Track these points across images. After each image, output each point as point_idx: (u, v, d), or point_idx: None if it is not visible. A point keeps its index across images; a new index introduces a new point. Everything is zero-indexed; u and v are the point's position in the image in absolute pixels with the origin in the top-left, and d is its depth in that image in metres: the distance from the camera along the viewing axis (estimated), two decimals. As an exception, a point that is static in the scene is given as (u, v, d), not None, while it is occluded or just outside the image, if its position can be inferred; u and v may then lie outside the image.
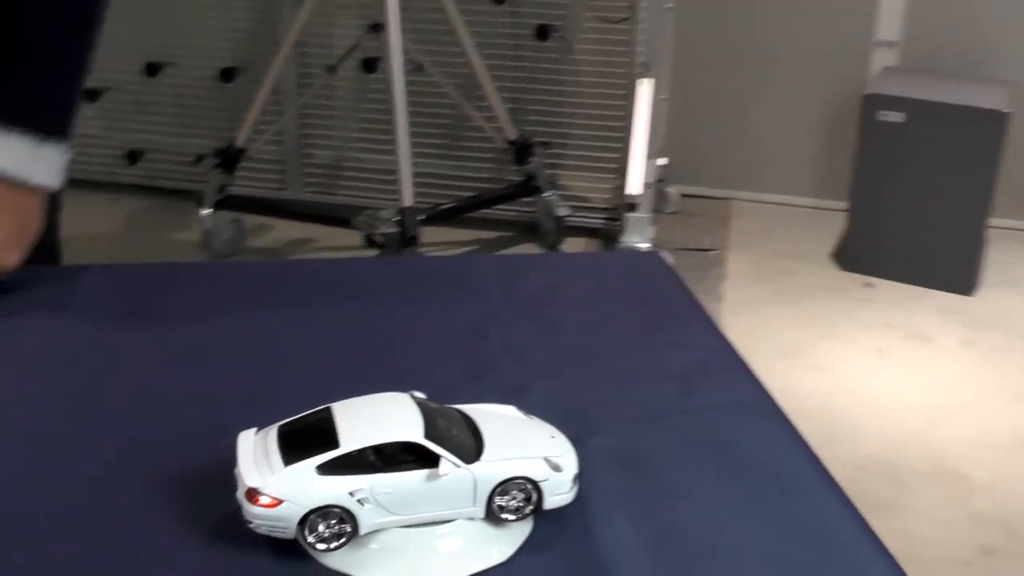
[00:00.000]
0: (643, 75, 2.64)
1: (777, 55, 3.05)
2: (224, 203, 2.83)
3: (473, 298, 0.96)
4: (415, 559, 0.63)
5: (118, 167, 3.23)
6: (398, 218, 2.43)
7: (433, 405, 0.67)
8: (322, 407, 0.65)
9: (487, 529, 0.65)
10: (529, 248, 2.94)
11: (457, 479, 0.63)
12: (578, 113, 2.89)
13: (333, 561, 0.63)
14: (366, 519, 0.62)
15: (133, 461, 0.72)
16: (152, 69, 3.10)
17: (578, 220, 2.93)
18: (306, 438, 0.63)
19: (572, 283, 1.01)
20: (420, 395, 0.69)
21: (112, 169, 3.24)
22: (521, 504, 0.64)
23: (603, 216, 2.93)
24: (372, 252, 2.66)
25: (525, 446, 0.65)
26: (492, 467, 0.63)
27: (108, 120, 3.17)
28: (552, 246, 2.92)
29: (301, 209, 2.87)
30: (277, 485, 0.61)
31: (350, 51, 2.81)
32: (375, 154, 3.04)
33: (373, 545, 0.64)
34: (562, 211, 2.85)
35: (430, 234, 2.90)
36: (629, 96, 2.70)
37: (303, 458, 0.62)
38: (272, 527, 0.62)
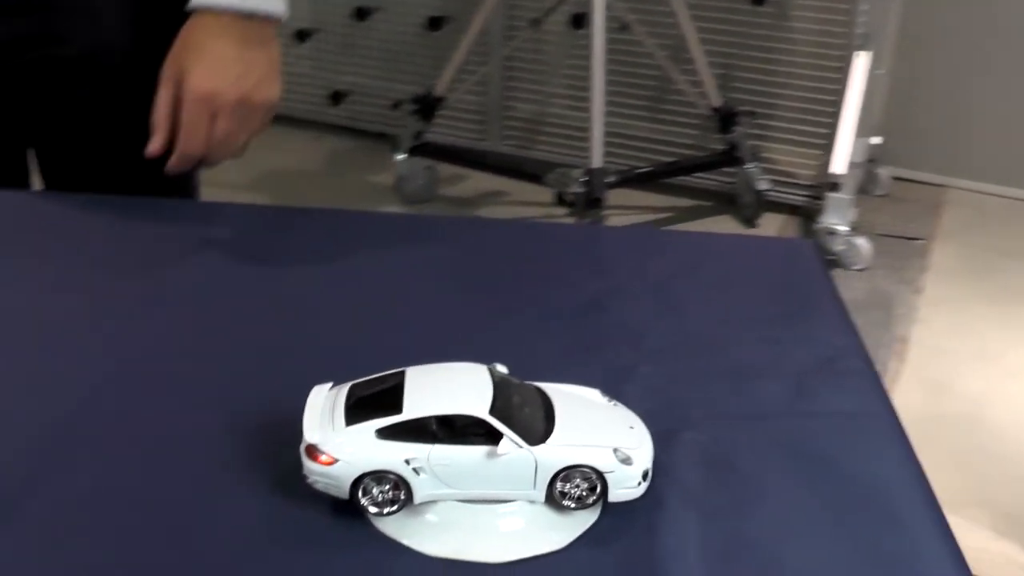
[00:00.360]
0: (861, 47, 2.51)
1: (1012, 35, 2.84)
2: (419, 150, 2.90)
3: (600, 272, 0.95)
4: (469, 535, 0.63)
5: (322, 107, 3.35)
6: (585, 178, 2.42)
7: (512, 381, 0.66)
8: (397, 370, 0.66)
9: (549, 514, 0.64)
10: (724, 221, 2.87)
11: (518, 460, 0.62)
12: (789, 83, 2.79)
13: (387, 527, 0.64)
14: (421, 489, 0.62)
15: (218, 403, 0.75)
16: (361, 13, 3.19)
17: (779, 195, 2.84)
18: (373, 400, 0.64)
19: (709, 265, 0.98)
20: (502, 369, 0.68)
21: (316, 108, 3.37)
22: (584, 493, 0.63)
23: (805, 193, 2.83)
24: (562, 210, 2.66)
25: (597, 434, 0.64)
26: (556, 452, 0.62)
27: (316, 61, 3.30)
28: (749, 220, 2.85)
29: (494, 161, 2.90)
30: (335, 444, 0.62)
31: (557, 5, 2.80)
32: (577, 111, 3.03)
33: (430, 516, 0.64)
34: (762, 185, 2.76)
35: (623, 197, 2.88)
36: (844, 69, 2.58)
37: (365, 420, 0.63)
38: (328, 485, 0.63)
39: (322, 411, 0.65)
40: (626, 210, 2.89)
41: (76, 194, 1.03)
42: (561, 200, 2.63)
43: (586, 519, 0.65)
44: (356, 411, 0.64)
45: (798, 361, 0.82)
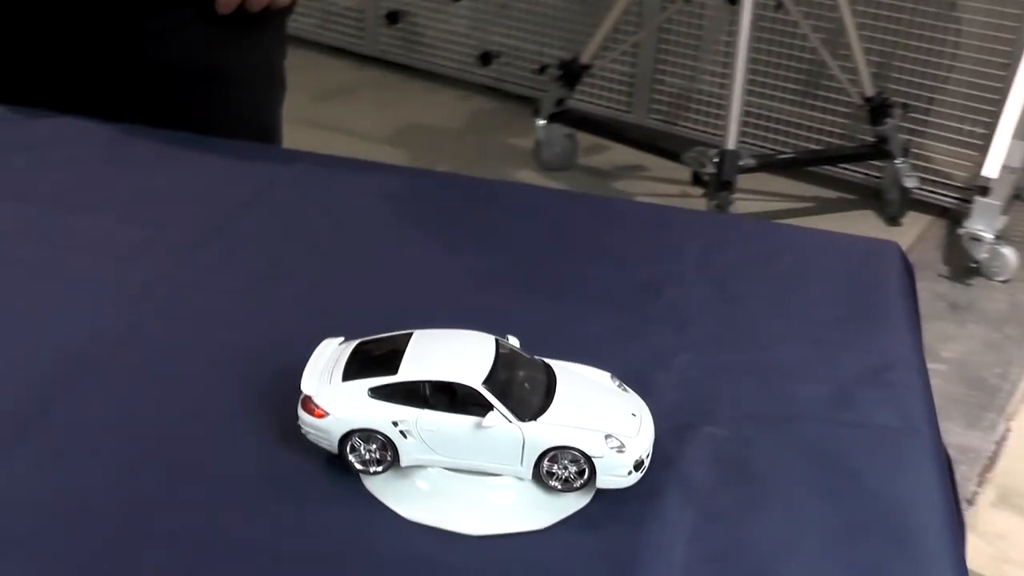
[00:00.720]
0: (1031, 44, 2.36)
1: None
2: (559, 116, 2.89)
3: (663, 255, 0.93)
4: (453, 505, 0.63)
5: (471, 66, 3.37)
6: (717, 160, 2.37)
7: (520, 355, 0.65)
8: (406, 332, 0.66)
9: (540, 493, 0.63)
10: (865, 216, 2.77)
11: (505, 434, 0.61)
12: (949, 78, 2.65)
13: (374, 486, 0.64)
14: (407, 452, 0.62)
15: (244, 345, 0.77)
16: (518, -27, 3.19)
17: (927, 195, 2.72)
18: (374, 359, 0.64)
19: (780, 258, 0.94)
20: (513, 341, 0.67)
21: (465, 68, 3.39)
22: (572, 476, 0.62)
23: (956, 195, 2.70)
24: (698, 190, 2.62)
25: (593, 417, 0.62)
26: (546, 430, 0.61)
27: (470, 20, 3.31)
28: (892, 218, 2.73)
29: (632, 135, 2.86)
30: (327, 397, 0.63)
31: (713, -22, 2.73)
32: (726, 90, 2.96)
33: (420, 482, 0.64)
34: (910, 182, 2.64)
35: (763, 182, 2.81)
36: (1011, 67, 2.44)
37: (361, 377, 0.63)
38: (318, 437, 0.64)
39: (325, 364, 0.65)
40: (761, 196, 2.82)
41: (158, 129, 1.07)
42: (697, 180, 2.58)
43: (576, 502, 0.63)
44: (355, 368, 0.64)
45: (845, 367, 0.78)
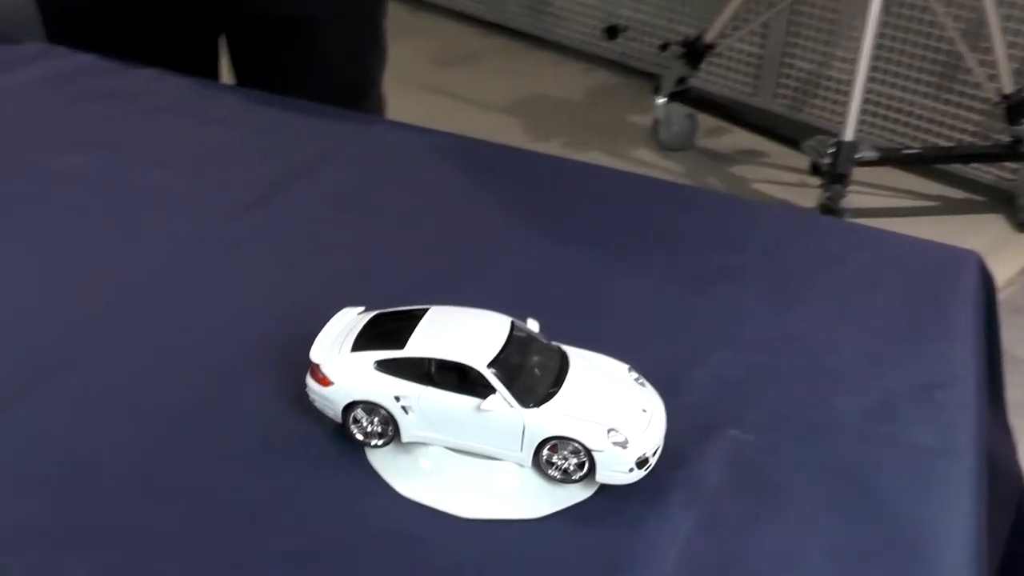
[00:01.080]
0: None
1: None
2: (680, 96, 2.84)
3: (726, 246, 0.90)
4: (450, 485, 0.63)
5: (596, 39, 3.33)
6: (832, 150, 2.29)
7: (535, 339, 0.64)
8: (423, 306, 0.66)
9: (542, 482, 0.63)
10: (993, 220, 2.65)
11: (506, 419, 0.60)
12: (1097, 78, 2.51)
13: (377, 460, 0.64)
14: (408, 428, 0.62)
15: (270, 307, 0.78)
16: (649, -54, 3.13)
17: (1062, 202, 2.58)
18: (386, 331, 0.64)
19: (850, 260, 0.90)
20: (533, 324, 0.66)
21: (591, 40, 3.35)
22: (572, 468, 0.61)
23: (1094, 205, 2.55)
24: (816, 180, 2.54)
25: (598, 409, 0.61)
26: (547, 419, 0.60)
27: (596, -9, 3.28)
28: (1023, 224, 2.61)
29: (754, 119, 2.79)
30: (334, 366, 0.63)
31: (850, -39, 2.64)
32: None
33: (423, 460, 0.64)
34: (1046, 187, 2.52)
35: (886, 176, 2.71)
36: None
37: (369, 349, 0.63)
38: (324, 405, 0.64)
39: (339, 332, 0.65)
40: (882, 191, 2.72)
41: (237, 86, 1.08)
42: (815, 170, 2.50)
43: (577, 494, 0.62)
44: (366, 339, 0.64)
45: (893, 380, 0.75)
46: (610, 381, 0.64)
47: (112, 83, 1.07)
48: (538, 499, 0.62)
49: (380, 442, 0.63)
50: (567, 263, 0.86)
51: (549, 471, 0.61)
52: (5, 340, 0.73)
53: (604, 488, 0.62)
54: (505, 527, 0.61)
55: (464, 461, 0.63)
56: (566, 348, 0.65)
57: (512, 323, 0.64)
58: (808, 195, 2.58)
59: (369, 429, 0.63)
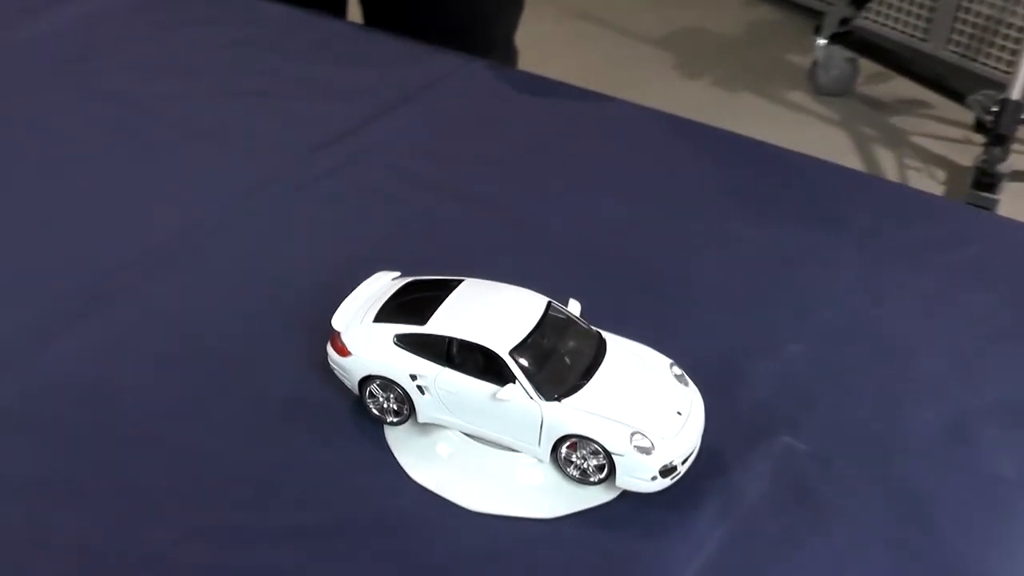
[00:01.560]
0: None
1: None
2: (842, 38, 2.69)
3: (821, 224, 0.83)
4: (464, 475, 0.60)
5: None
6: (996, 109, 2.13)
7: (574, 323, 0.60)
8: (457, 278, 0.62)
9: (564, 480, 0.59)
10: None
11: (523, 410, 0.57)
12: None
13: (393, 437, 0.62)
14: (424, 409, 0.59)
15: (325, 266, 0.75)
16: None
17: None
18: (413, 303, 0.61)
19: (961, 249, 0.82)
20: (574, 306, 0.62)
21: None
22: (591, 469, 0.57)
23: None
24: (979, 137, 2.38)
25: (625, 408, 0.57)
26: (568, 415, 0.56)
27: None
28: None
29: (919, 67, 2.62)
30: (353, 336, 0.60)
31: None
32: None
33: (441, 444, 0.61)
34: None
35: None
36: None
37: (392, 321, 0.60)
38: (342, 375, 0.62)
39: (367, 299, 0.63)
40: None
41: (334, 20, 1.05)
42: (979, 126, 2.34)
43: (598, 496, 0.59)
44: (392, 309, 0.61)
45: (980, 397, 0.68)
46: (647, 376, 0.59)
47: (208, 11, 1.06)
48: (555, 498, 0.58)
49: (396, 420, 0.60)
50: (640, 231, 0.81)
51: (568, 469, 0.58)
52: (47, 272, 0.73)
53: (629, 491, 0.58)
54: (515, 524, 0.57)
55: (484, 451, 0.60)
56: (607, 335, 0.61)
57: (548, 304, 0.60)
58: (970, 153, 2.42)
59: (385, 405, 0.60)
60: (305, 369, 0.66)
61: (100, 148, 0.86)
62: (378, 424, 0.62)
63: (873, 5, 2.67)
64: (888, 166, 2.50)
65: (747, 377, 0.68)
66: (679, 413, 0.58)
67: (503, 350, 0.57)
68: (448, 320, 0.58)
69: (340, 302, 0.63)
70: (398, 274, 0.65)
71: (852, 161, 2.50)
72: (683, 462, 0.57)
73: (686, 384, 0.60)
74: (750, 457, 0.62)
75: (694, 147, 0.92)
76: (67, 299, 0.71)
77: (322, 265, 0.75)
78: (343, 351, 0.60)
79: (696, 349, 0.66)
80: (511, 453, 0.59)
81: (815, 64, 2.78)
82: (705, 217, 0.83)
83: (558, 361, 0.58)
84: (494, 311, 0.59)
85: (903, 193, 0.90)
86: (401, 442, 0.61)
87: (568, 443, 0.57)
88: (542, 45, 2.59)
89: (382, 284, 0.64)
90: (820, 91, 2.79)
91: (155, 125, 0.88)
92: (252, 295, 0.72)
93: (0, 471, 0.59)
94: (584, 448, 0.56)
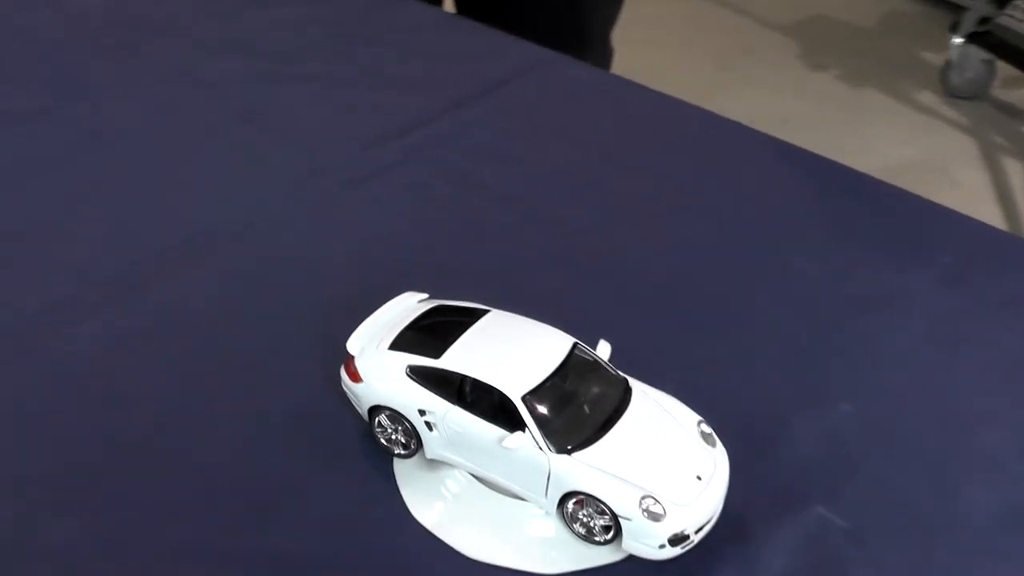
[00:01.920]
0: None
1: None
2: (979, 38, 2.56)
3: (897, 263, 0.78)
4: (467, 519, 0.57)
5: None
6: None
7: (600, 368, 0.57)
8: (483, 308, 0.60)
9: (572, 536, 0.56)
10: None
11: (530, 460, 0.54)
12: None
13: (400, 469, 0.60)
14: (431, 445, 0.57)
15: (363, 270, 0.73)
16: None
17: None
18: (432, 331, 0.59)
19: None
20: (604, 349, 0.59)
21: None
22: (598, 529, 0.54)
23: None
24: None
25: (639, 469, 0.54)
26: (575, 470, 0.53)
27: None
28: None
29: (1060, 76, 2.49)
30: (366, 362, 0.58)
31: None
32: None
33: (449, 483, 0.59)
34: None
35: None
36: None
37: (407, 350, 0.58)
38: (352, 399, 0.60)
39: (388, 321, 0.61)
40: None
41: (463, 18, 1.03)
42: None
43: (605, 555, 0.56)
44: (409, 337, 0.59)
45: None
46: (670, 433, 0.56)
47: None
48: (559, 553, 0.56)
49: (403, 452, 0.58)
50: (700, 259, 0.77)
51: (573, 525, 0.55)
52: (74, 257, 0.73)
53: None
54: (510, 575, 0.55)
55: (491, 496, 0.58)
56: (635, 384, 0.58)
57: (574, 346, 0.57)
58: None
59: (393, 437, 0.58)
60: (321, 384, 0.64)
61: (150, 126, 0.85)
62: (387, 453, 0.60)
63: (1019, 3, 2.53)
64: (1017, 180, 2.38)
65: (787, 434, 0.64)
66: (699, 477, 0.55)
67: (516, 394, 0.54)
68: (464, 356, 0.56)
69: (368, 315, 0.61)
70: (425, 296, 0.63)
71: (978, 171, 2.39)
72: (696, 531, 0.54)
73: (712, 445, 0.57)
74: (778, 526, 0.58)
75: (778, 169, 0.87)
76: (91, 286, 0.70)
77: (356, 273, 0.73)
78: (355, 376, 0.58)
79: (736, 396, 0.63)
80: (519, 501, 0.57)
81: (948, 64, 2.67)
82: (769, 245, 0.78)
83: (576, 409, 0.55)
84: (514, 350, 0.56)
85: (997, 237, 0.84)
86: (408, 476, 0.59)
87: (575, 499, 0.54)
88: (655, 24, 2.53)
89: (406, 306, 0.62)
90: (952, 93, 2.68)
91: (209, 106, 0.87)
92: (278, 298, 0.71)
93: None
94: (591, 506, 0.54)
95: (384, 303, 0.62)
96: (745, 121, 0.90)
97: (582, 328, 0.59)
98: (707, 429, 0.57)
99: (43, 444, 0.60)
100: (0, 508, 0.57)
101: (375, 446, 0.60)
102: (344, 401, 0.61)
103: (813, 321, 0.72)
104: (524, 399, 0.54)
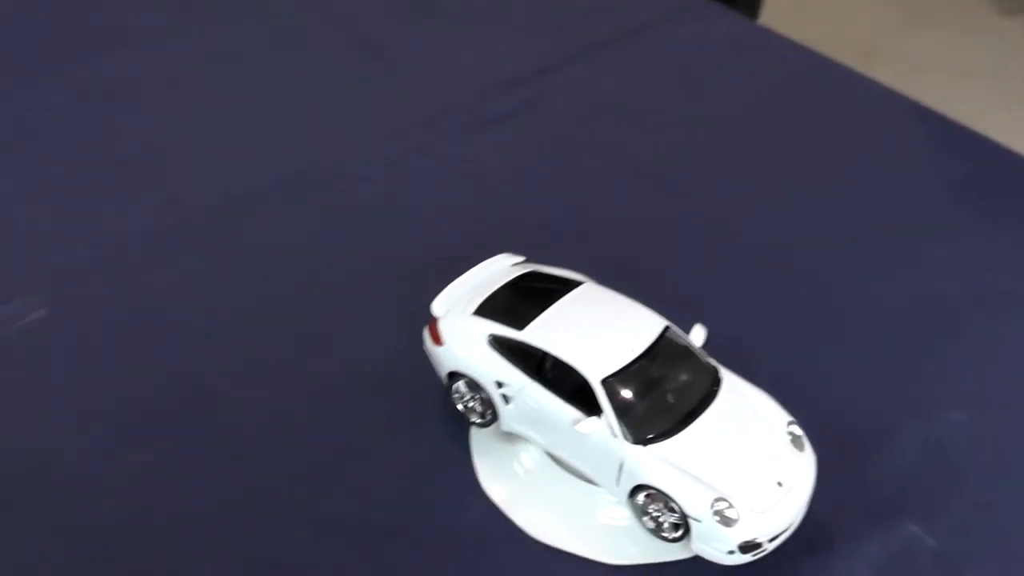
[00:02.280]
0: None
1: None
2: None
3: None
4: (536, 499, 0.57)
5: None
6: None
7: (691, 355, 0.55)
8: (578, 279, 0.58)
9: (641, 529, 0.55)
10: None
11: (604, 446, 0.53)
12: None
13: (476, 437, 0.59)
14: (507, 418, 0.57)
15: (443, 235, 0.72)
16: None
17: None
18: (520, 299, 0.58)
19: None
20: (696, 332, 0.57)
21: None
22: (667, 526, 0.53)
23: None
24: None
25: (717, 468, 0.52)
26: (649, 463, 0.52)
27: None
28: None
29: None
30: (449, 324, 0.58)
31: None
32: None
33: (523, 458, 0.58)
34: None
35: None
36: None
37: (491, 317, 0.57)
38: (434, 362, 0.59)
39: (478, 284, 0.60)
40: None
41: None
42: None
43: (674, 552, 0.54)
44: (496, 303, 0.58)
45: None
46: (756, 433, 0.54)
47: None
48: (626, 544, 0.55)
49: (479, 421, 0.58)
50: (824, 241, 0.73)
51: (643, 518, 0.53)
52: (187, 180, 0.73)
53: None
54: (570, 561, 0.54)
55: (564, 476, 0.57)
56: (726, 375, 0.55)
57: (665, 329, 0.55)
58: None
59: (470, 405, 0.58)
60: (404, 343, 0.62)
61: (274, 54, 0.85)
62: (464, 421, 0.59)
63: None
64: None
65: (888, 442, 0.61)
66: (780, 483, 0.52)
67: (596, 377, 0.53)
68: (548, 330, 0.55)
69: (459, 274, 0.60)
70: (522, 259, 0.62)
71: None
72: (771, 540, 0.52)
73: (800, 448, 0.54)
74: (865, 542, 0.56)
75: (933, 148, 0.82)
76: (189, 216, 0.71)
77: (455, 227, 0.71)
78: (437, 339, 0.58)
79: (836, 396, 0.60)
80: (592, 486, 0.56)
81: None
82: (904, 232, 0.74)
83: (659, 397, 0.53)
84: (601, 329, 0.55)
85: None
86: (483, 446, 0.58)
87: (646, 492, 0.52)
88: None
89: (498, 268, 0.61)
90: None
91: (335, 37, 0.87)
92: (373, 248, 0.70)
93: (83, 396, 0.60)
94: (662, 502, 0.52)
95: (478, 263, 0.61)
96: (920, 71, 0.84)
97: (678, 306, 0.57)
98: (797, 431, 0.55)
99: (123, 381, 0.61)
100: (78, 440, 0.58)
101: (453, 412, 0.59)
102: (427, 362, 0.61)
103: (934, 318, 0.68)
104: (605, 383, 0.52)
